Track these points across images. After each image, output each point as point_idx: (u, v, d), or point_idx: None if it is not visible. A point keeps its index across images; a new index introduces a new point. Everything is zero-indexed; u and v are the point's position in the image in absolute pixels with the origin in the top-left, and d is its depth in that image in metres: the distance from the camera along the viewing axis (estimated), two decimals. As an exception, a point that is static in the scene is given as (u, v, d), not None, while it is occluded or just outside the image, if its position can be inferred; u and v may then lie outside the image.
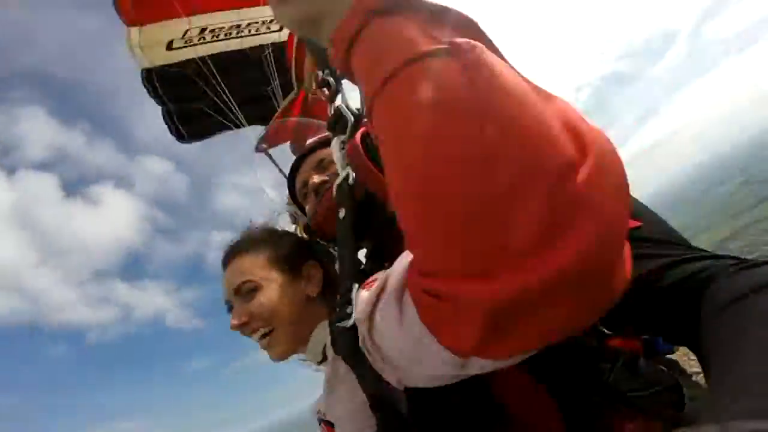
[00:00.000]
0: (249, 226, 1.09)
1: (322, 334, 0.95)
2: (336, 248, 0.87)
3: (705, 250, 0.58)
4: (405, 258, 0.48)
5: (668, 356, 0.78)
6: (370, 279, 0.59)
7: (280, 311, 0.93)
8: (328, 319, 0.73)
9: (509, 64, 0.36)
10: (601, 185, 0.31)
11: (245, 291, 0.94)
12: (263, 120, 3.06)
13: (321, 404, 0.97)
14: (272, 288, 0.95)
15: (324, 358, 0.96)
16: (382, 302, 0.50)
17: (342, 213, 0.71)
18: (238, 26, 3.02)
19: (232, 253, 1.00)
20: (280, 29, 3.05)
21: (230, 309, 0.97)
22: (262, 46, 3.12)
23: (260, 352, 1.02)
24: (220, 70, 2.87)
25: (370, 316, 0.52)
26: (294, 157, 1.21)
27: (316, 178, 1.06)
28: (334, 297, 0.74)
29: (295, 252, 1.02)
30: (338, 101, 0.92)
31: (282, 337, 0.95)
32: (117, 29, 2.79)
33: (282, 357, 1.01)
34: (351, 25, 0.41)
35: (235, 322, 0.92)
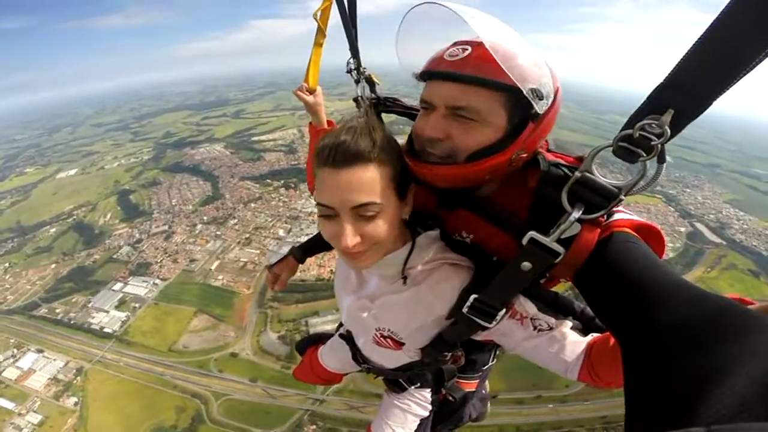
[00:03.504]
0: (358, 115, 0.93)
1: (402, 255, 0.98)
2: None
3: None
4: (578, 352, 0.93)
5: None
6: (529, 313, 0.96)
7: (388, 236, 0.89)
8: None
9: None
10: None
11: (365, 213, 0.84)
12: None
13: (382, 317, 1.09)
14: (389, 213, 0.88)
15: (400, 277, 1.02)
16: (544, 336, 0.94)
17: None
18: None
19: (355, 156, 0.82)
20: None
21: (329, 215, 0.86)
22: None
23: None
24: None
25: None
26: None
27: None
28: (414, 222, 1.03)
29: (407, 171, 0.93)
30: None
31: (374, 256, 0.92)
32: None
33: (362, 270, 1.05)
34: None
35: (349, 244, 0.83)
